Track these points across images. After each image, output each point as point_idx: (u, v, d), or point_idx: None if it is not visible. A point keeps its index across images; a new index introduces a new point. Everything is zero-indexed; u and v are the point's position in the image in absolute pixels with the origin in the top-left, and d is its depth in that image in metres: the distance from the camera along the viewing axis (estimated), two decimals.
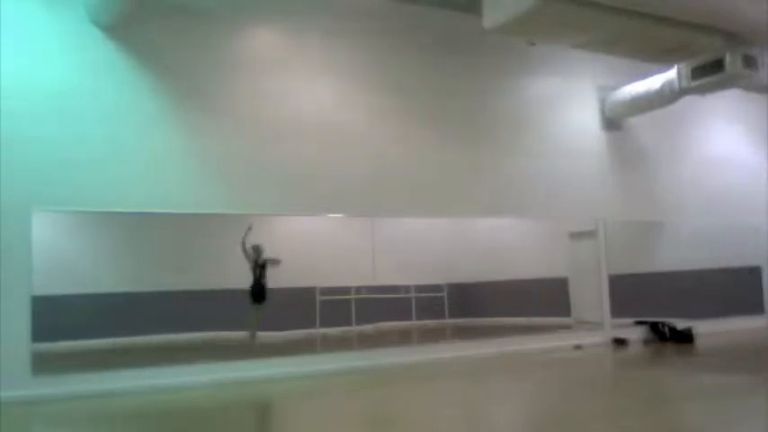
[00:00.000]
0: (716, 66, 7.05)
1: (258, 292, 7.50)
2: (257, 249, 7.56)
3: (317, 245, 7.61)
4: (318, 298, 7.58)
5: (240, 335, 7.33)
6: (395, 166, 7.37)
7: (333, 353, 7.17)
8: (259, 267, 7.57)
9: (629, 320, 8.77)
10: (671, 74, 7.82)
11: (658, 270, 9.16)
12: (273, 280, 7.48)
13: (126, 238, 6.80)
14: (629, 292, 8.75)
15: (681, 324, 8.62)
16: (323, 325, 7.54)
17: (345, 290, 7.78)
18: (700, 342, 8.29)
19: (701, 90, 7.68)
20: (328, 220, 7.31)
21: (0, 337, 5.32)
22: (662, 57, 6.96)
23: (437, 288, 8.54)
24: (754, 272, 10.13)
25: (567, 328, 8.58)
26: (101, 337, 6.58)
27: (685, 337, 8.42)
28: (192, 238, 6.91)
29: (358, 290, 7.80)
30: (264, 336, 7.35)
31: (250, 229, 7.32)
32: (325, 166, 6.96)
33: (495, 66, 8.19)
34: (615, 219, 8.81)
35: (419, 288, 8.41)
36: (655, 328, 8.70)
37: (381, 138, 7.36)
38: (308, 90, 7.03)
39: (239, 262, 7.42)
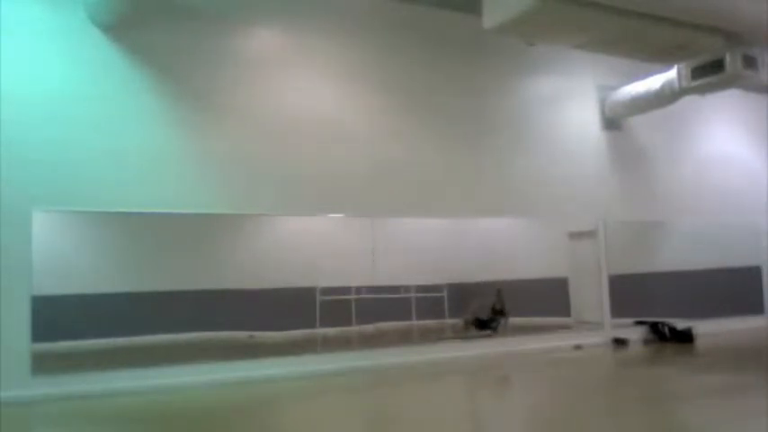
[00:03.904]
0: (716, 66, 7.04)
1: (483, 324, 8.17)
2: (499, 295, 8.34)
3: (317, 245, 7.60)
4: (318, 298, 7.57)
5: (241, 335, 7.32)
6: (395, 166, 7.38)
7: (333, 353, 7.17)
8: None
9: (629, 320, 8.77)
10: (671, 74, 7.82)
11: (658, 270, 9.16)
12: (273, 280, 7.47)
13: (126, 239, 6.79)
14: (629, 292, 8.75)
15: (681, 324, 8.62)
16: (323, 325, 7.53)
17: (345, 290, 7.76)
18: (700, 342, 8.29)
19: (701, 90, 7.67)
20: (328, 219, 7.32)
21: (0, 337, 5.32)
22: (662, 57, 6.95)
23: (437, 288, 8.52)
24: (754, 272, 10.13)
25: (567, 328, 8.57)
26: (101, 337, 6.57)
27: (685, 337, 8.42)
28: (193, 239, 6.90)
29: (358, 290, 7.78)
30: (264, 336, 7.35)
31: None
32: (326, 166, 6.97)
33: (494, 66, 8.19)
34: (615, 219, 8.82)
35: (419, 288, 8.39)
36: (655, 328, 8.69)
37: (381, 138, 7.37)
38: (308, 90, 7.03)
39: (238, 262, 7.41)
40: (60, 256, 6.31)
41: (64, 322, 6.23)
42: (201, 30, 6.51)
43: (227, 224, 6.90)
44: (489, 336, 8.04)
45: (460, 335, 7.99)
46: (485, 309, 8.34)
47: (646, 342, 8.54)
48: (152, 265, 6.96)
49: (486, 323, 8.22)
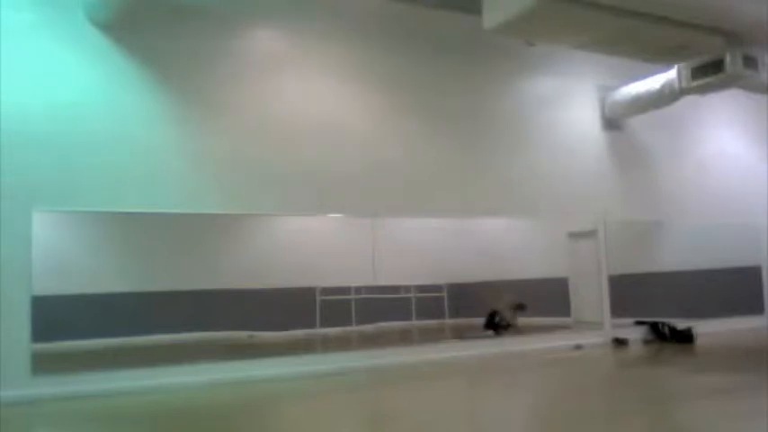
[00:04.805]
0: (716, 66, 7.04)
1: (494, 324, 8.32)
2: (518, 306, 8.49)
3: (317, 245, 7.60)
4: (318, 298, 7.57)
5: (241, 335, 7.33)
6: (395, 166, 7.38)
7: (333, 353, 7.17)
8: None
9: (629, 320, 8.77)
10: (671, 74, 7.82)
11: (658, 270, 9.16)
12: (273, 280, 7.48)
13: (126, 239, 6.79)
14: (629, 292, 8.75)
15: (681, 324, 8.62)
16: (323, 325, 7.54)
17: (345, 290, 7.77)
18: (700, 342, 8.29)
19: (701, 90, 7.67)
20: (328, 219, 7.32)
21: (0, 337, 5.32)
22: (662, 57, 6.95)
23: (437, 288, 8.53)
24: (755, 272, 10.13)
25: (567, 328, 8.58)
26: (101, 337, 6.57)
27: (685, 337, 8.42)
28: (193, 239, 6.91)
29: (358, 290, 7.79)
30: (264, 336, 7.36)
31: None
32: (325, 166, 6.96)
33: (494, 66, 8.19)
34: (615, 219, 8.82)
35: (419, 288, 8.41)
36: (655, 328, 8.69)
37: (381, 138, 7.37)
38: (307, 90, 7.03)
39: (238, 262, 7.42)
40: (60, 256, 6.32)
41: (64, 322, 6.23)
42: (201, 30, 6.51)
43: (226, 224, 6.91)
44: (489, 336, 8.05)
45: (466, 334, 8.01)
46: (507, 308, 8.38)
47: (646, 342, 8.54)
48: (152, 265, 6.97)
49: (495, 326, 8.23)
